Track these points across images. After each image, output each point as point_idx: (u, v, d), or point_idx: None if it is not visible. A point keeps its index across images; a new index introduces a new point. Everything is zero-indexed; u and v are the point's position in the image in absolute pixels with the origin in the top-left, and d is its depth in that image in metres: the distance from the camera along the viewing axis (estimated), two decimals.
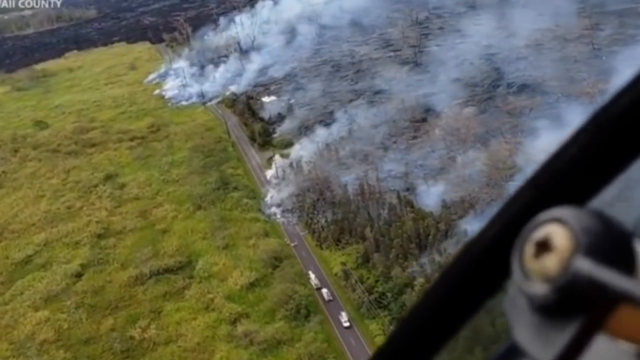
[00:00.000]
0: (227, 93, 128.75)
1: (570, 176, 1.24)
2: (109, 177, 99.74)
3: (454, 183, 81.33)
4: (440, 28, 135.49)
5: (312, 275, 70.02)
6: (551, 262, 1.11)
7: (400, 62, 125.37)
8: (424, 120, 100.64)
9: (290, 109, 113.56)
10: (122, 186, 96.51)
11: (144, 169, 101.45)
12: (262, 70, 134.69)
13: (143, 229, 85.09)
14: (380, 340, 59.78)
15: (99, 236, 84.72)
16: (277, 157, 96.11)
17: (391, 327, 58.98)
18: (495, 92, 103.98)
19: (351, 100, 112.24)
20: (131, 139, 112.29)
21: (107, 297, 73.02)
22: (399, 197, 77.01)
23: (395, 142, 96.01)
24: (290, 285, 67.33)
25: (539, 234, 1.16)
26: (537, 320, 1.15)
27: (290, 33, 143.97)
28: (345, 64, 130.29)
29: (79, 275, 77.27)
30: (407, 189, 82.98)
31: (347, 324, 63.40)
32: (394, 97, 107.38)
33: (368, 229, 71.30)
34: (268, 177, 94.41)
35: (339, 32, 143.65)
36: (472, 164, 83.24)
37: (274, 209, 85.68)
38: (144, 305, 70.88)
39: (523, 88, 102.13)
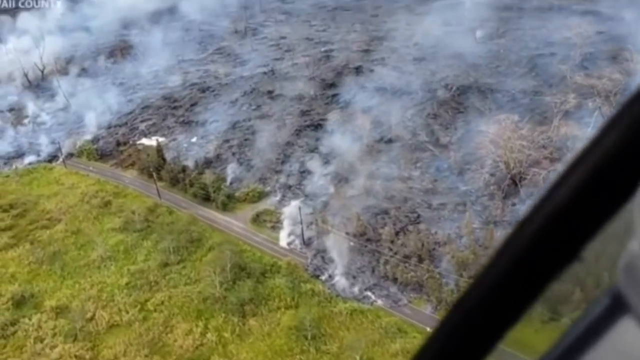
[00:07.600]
0: (79, 142, 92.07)
1: None
2: (20, 303, 61.00)
3: None
4: None
5: None
6: None
7: None
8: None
9: (215, 150, 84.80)
10: (62, 310, 59.51)
11: (72, 274, 64.72)
12: (102, 106, 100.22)
13: None
14: None
15: None
16: (285, 210, 70.10)
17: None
18: None
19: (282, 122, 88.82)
20: None
21: None
22: None
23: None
24: None
25: None
26: None
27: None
28: (211, 86, 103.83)
29: None
30: None
31: None
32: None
33: None
34: (284, 244, 67.89)
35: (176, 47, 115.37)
36: None
37: (355, 288, 61.08)
38: None
39: None
